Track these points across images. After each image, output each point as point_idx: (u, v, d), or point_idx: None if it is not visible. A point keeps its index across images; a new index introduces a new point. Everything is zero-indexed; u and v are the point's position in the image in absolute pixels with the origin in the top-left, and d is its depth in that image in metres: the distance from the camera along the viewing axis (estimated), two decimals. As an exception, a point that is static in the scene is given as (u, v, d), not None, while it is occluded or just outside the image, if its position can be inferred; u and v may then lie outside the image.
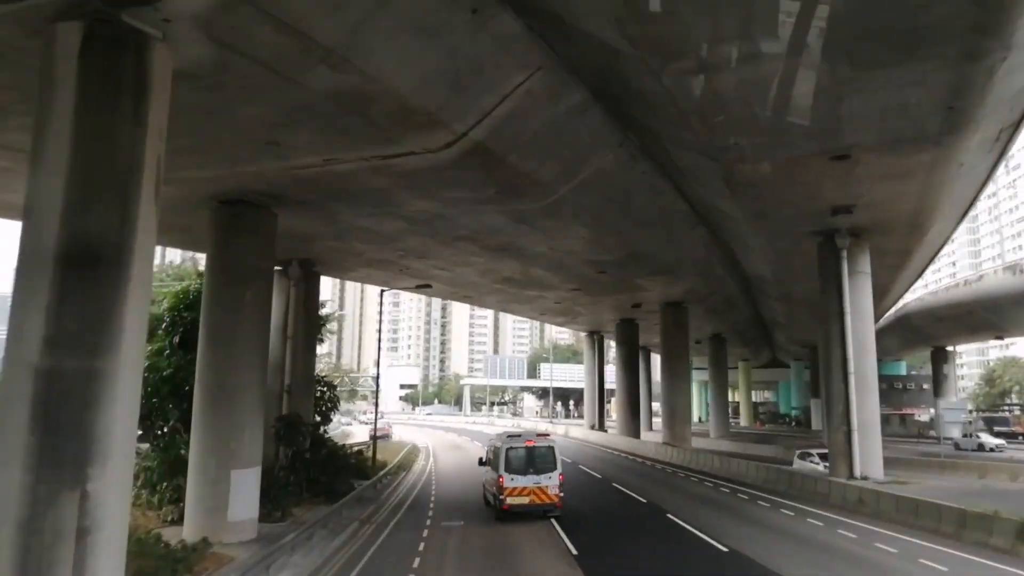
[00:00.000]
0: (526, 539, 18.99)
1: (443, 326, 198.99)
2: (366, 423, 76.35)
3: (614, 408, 64.26)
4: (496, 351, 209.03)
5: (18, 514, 8.87)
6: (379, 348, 34.60)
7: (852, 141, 17.64)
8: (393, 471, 35.66)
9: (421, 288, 30.46)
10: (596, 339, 63.06)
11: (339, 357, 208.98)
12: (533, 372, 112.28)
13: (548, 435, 24.36)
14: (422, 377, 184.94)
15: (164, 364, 22.95)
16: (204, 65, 11.75)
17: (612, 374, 62.35)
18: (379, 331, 36.53)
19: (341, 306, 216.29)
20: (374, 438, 31.11)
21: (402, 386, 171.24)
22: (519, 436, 23.23)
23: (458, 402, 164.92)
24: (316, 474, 25.96)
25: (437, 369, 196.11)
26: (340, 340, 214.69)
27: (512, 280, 35.57)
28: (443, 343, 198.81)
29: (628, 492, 28.48)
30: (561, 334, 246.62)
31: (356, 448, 44.64)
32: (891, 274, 35.26)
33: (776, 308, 53.96)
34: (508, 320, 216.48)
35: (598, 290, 39.69)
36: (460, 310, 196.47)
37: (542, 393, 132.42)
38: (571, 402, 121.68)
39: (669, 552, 17.52)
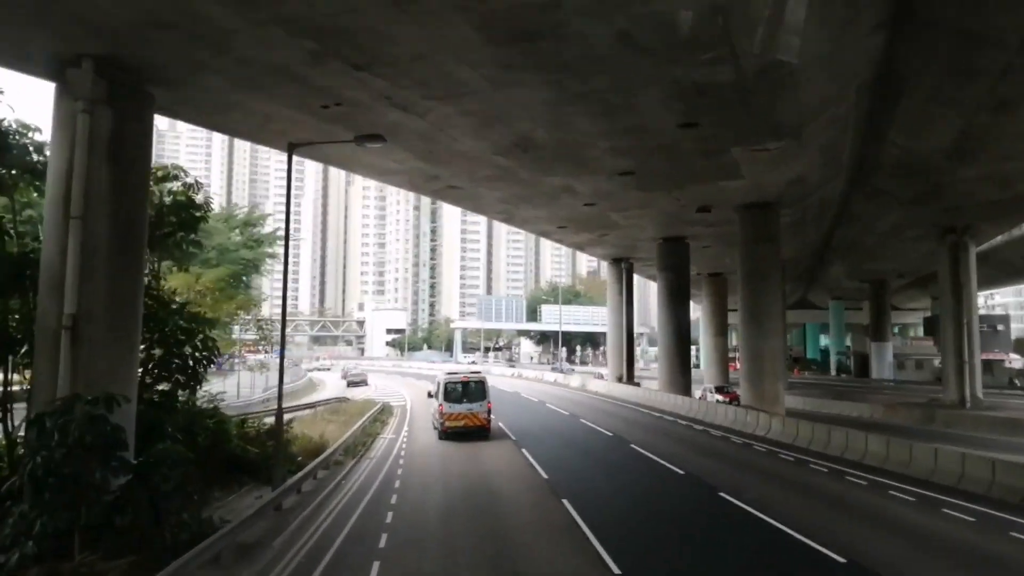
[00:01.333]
0: None
1: (432, 268, 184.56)
2: (354, 379, 62.88)
3: (639, 356, 50.50)
4: (489, 293, 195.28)
5: None
6: (286, 252, 17.43)
7: None
8: (336, 460, 21.89)
9: (368, 141, 16.10)
10: (624, 269, 48.93)
11: (322, 299, 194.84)
12: (533, 315, 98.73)
13: (480, 371, 30.81)
14: (410, 321, 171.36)
15: None
16: None
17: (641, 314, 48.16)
18: (286, 224, 20.03)
19: (323, 242, 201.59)
20: (279, 416, 16.90)
21: (389, 331, 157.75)
22: (456, 373, 28.46)
23: (449, 348, 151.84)
24: (130, 503, 11.99)
25: (426, 313, 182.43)
26: (323, 277, 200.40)
27: (529, 145, 21.12)
28: (432, 286, 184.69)
29: (807, 540, 14.50)
30: (558, 272, 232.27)
31: (301, 412, 31.01)
32: None
33: (877, 222, 39.94)
34: (502, 260, 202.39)
35: (662, 174, 25.29)
36: (451, 248, 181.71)
37: (540, 338, 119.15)
38: (583, 349, 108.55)
39: None
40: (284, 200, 18.36)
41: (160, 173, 19.63)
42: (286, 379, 17.98)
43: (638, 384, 46.71)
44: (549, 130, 19.80)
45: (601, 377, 56.70)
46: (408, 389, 52.18)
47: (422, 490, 17.85)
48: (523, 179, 25.55)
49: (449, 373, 28.12)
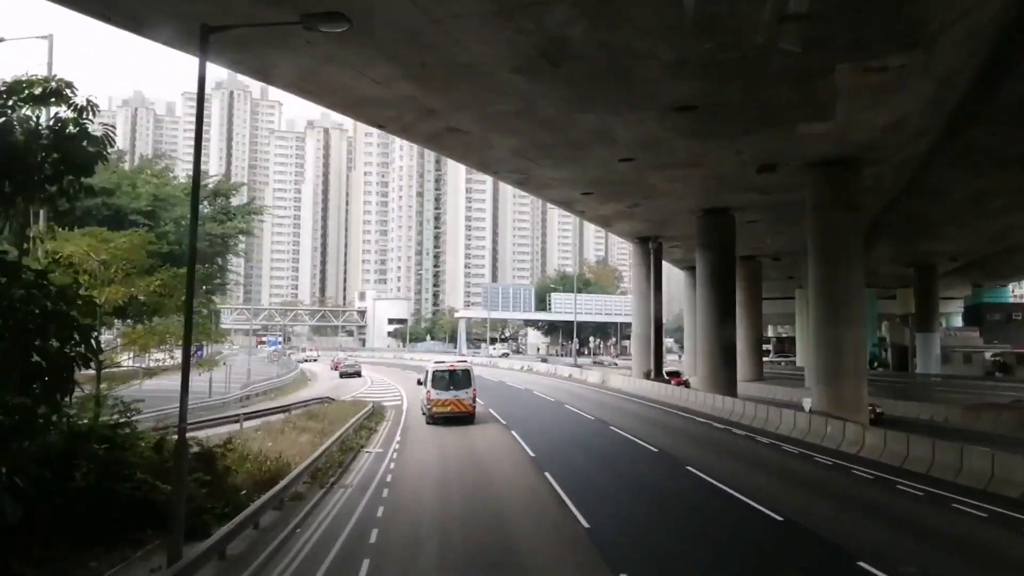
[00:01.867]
0: None
1: (436, 256, 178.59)
2: (347, 369, 57.17)
3: (641, 346, 44.65)
4: (495, 281, 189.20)
5: None
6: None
7: None
8: (296, 492, 16.01)
9: (322, 23, 10.38)
10: (652, 249, 42.86)
11: (322, 288, 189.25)
12: (541, 304, 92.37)
13: (466, 361, 34.22)
14: (413, 311, 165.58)
15: None
16: None
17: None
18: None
19: (323, 229, 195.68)
20: (182, 440, 10.89)
21: (391, 321, 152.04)
22: (444, 362, 31.18)
23: (453, 339, 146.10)
24: None
25: (430, 303, 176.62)
26: (323, 266, 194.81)
27: (561, 55, 15.02)
28: (436, 275, 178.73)
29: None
30: (565, 261, 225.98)
31: (273, 416, 25.47)
32: None
33: (955, 191, 33.86)
34: (507, 248, 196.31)
35: (733, 110, 19.20)
36: (455, 235, 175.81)
37: (548, 328, 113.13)
38: (595, 340, 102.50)
39: None
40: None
41: (37, 89, 13.53)
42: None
43: (669, 380, 40.69)
44: (592, 25, 13.70)
45: (616, 369, 50.73)
46: (406, 385, 46.31)
47: (409, 551, 11.92)
48: (547, 118, 19.48)
49: (437, 362, 30.46)
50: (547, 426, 27.49)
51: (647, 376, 41.58)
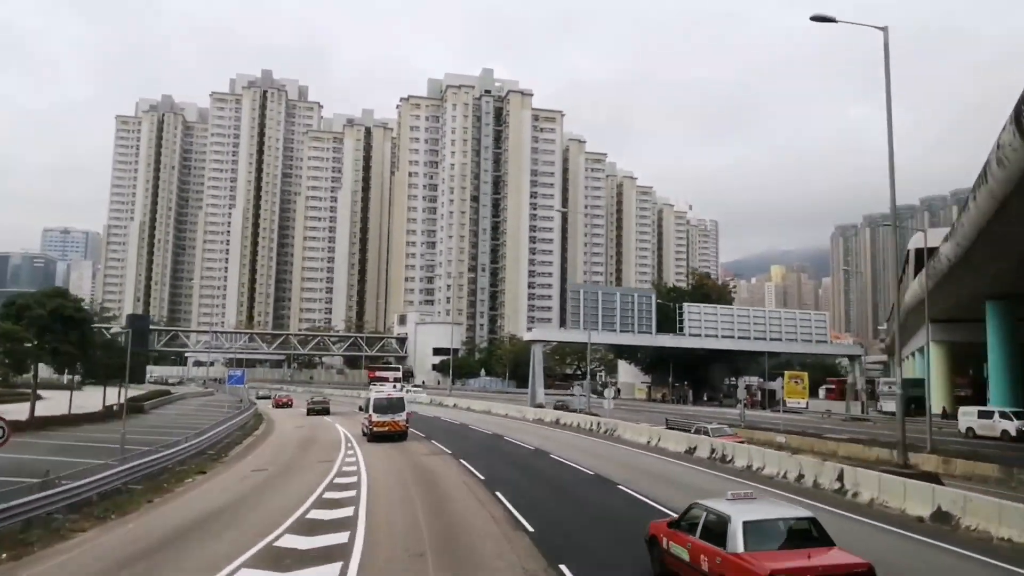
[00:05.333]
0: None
1: (493, 273, 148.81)
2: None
3: None
4: (563, 305, 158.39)
5: None
6: None
7: None
8: None
9: None
10: None
11: (359, 311, 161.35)
12: (665, 323, 58.94)
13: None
14: (464, 339, 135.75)
15: None
16: None
17: None
18: None
19: (362, 244, 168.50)
20: None
21: (436, 351, 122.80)
22: (383, 390, 36.52)
23: (515, 373, 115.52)
24: None
25: (485, 328, 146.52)
26: (361, 285, 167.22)
27: None
28: (493, 295, 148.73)
29: None
30: (643, 279, 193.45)
31: None
32: None
33: None
34: (579, 263, 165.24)
35: None
36: (516, 247, 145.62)
37: (652, 361, 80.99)
38: (728, 381, 69.51)
39: None
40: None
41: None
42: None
43: None
44: None
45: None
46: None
47: None
48: None
49: (377, 393, 35.62)
50: None
51: None
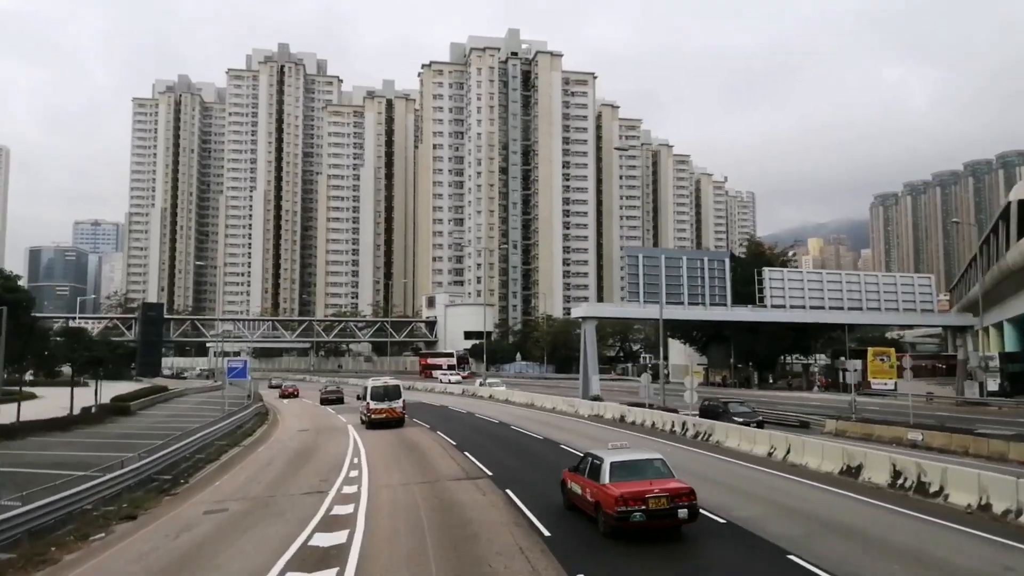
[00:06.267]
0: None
1: (526, 250, 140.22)
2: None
3: None
4: (600, 283, 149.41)
5: None
6: None
7: None
8: None
9: None
10: None
11: (386, 294, 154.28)
12: (742, 293, 48.64)
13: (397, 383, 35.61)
14: (497, 321, 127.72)
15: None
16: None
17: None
18: None
19: (387, 224, 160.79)
20: None
21: (467, 335, 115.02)
22: (380, 379, 37.10)
23: (555, 357, 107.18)
24: None
25: (519, 310, 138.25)
26: (388, 268, 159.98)
27: None
28: (526, 273, 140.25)
29: None
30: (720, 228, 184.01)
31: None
32: None
33: None
34: (615, 239, 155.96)
35: None
36: (548, 223, 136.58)
37: (710, 338, 72.02)
38: (785, 359, 60.48)
39: None
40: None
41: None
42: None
43: None
44: None
45: None
46: None
47: None
48: None
49: (373, 380, 37.03)
50: None
51: None
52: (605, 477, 12.81)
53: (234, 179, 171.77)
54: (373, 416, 32.37)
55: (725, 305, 44.73)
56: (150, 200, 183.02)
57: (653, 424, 29.14)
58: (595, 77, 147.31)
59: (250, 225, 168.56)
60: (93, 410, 37.61)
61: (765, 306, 46.13)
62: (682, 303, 43.33)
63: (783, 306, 46.24)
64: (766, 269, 47.85)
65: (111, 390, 49.34)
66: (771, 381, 69.37)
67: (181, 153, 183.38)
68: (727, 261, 46.50)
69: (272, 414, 43.88)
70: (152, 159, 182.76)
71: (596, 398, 39.07)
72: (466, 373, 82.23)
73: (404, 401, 34.10)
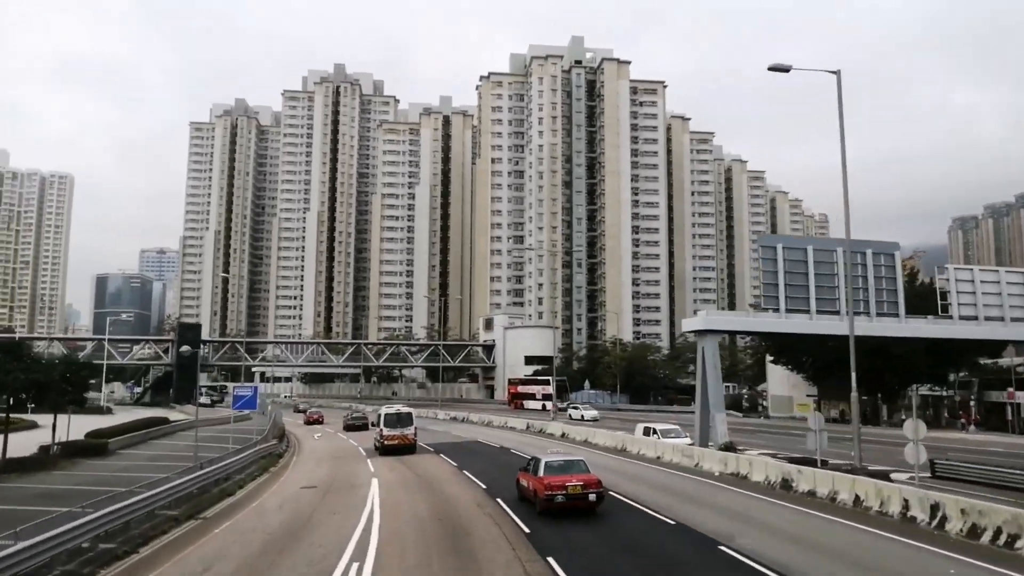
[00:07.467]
0: None
1: (591, 270, 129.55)
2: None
3: None
4: (672, 304, 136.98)
5: None
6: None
7: None
8: None
9: None
10: None
11: (443, 318, 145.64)
12: (918, 304, 35.57)
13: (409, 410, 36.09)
14: (561, 346, 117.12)
15: None
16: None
17: None
18: None
19: (443, 242, 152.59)
20: None
21: (529, 359, 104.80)
22: (393, 407, 37.48)
23: (629, 386, 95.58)
24: None
25: (583, 333, 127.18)
26: (444, 289, 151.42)
27: None
28: (591, 295, 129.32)
29: None
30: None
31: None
32: None
33: None
34: (687, 256, 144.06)
35: None
36: (616, 241, 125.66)
37: (816, 363, 59.83)
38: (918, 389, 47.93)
39: None
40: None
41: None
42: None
43: None
44: None
45: None
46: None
47: None
48: None
49: (386, 408, 36.74)
50: None
51: None
52: (540, 471, 18.19)
53: (288, 200, 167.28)
54: (386, 443, 33.19)
55: (897, 316, 32.12)
56: (204, 223, 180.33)
57: (863, 504, 17.37)
58: (665, 86, 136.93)
59: (303, 247, 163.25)
60: (55, 449, 28.86)
61: (950, 316, 33.40)
62: (837, 312, 30.94)
63: (974, 316, 33.60)
64: (950, 267, 34.96)
65: (107, 421, 41.07)
66: (903, 416, 56.61)
67: (236, 176, 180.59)
68: (897, 256, 33.63)
69: (290, 453, 34.60)
70: (208, 183, 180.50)
71: (729, 448, 27.05)
72: (563, 405, 69.55)
73: (416, 428, 34.87)
